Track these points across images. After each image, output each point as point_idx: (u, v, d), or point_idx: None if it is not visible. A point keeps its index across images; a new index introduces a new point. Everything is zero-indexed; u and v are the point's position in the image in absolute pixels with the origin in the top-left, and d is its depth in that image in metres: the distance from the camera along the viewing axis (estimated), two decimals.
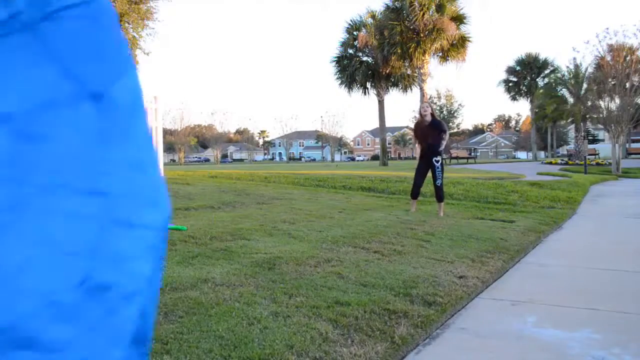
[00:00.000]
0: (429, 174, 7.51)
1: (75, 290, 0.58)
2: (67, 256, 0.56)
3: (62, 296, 0.57)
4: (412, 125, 8.01)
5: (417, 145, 7.81)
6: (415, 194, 7.65)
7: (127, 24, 16.72)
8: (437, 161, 7.35)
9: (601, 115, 24.41)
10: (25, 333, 0.57)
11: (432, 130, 7.35)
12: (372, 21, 29.21)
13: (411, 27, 25.17)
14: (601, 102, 24.73)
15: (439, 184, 7.34)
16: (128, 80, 0.63)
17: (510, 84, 53.18)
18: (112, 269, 0.56)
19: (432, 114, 7.45)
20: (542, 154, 64.72)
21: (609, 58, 24.12)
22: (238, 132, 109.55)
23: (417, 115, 7.63)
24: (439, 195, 7.36)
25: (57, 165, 0.53)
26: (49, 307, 0.57)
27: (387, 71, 27.90)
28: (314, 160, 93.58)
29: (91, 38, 0.58)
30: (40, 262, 0.56)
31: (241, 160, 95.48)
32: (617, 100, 23.24)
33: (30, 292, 0.56)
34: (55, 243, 0.56)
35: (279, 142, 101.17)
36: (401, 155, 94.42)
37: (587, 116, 31.29)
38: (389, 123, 36.87)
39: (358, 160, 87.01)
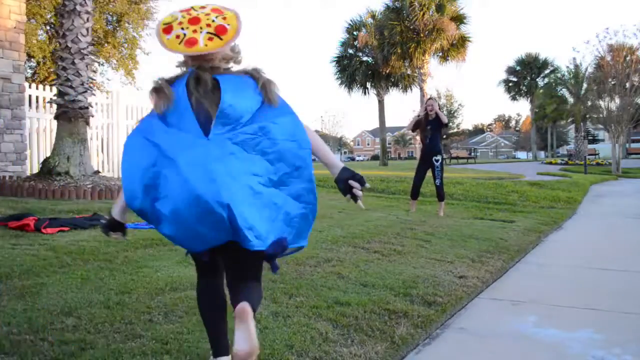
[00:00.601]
0: (429, 174, 7.46)
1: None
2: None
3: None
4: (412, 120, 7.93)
5: (418, 144, 7.77)
6: (414, 194, 7.61)
7: (127, 24, 16.73)
8: (437, 160, 7.29)
9: (601, 115, 24.42)
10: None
11: (434, 129, 7.25)
12: (372, 21, 29.19)
13: (411, 27, 25.15)
14: (601, 102, 24.73)
15: (438, 184, 7.29)
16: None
17: (510, 84, 53.13)
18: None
19: (438, 112, 7.29)
20: (542, 154, 64.68)
21: (609, 58, 24.12)
22: None
23: (418, 112, 7.48)
24: (440, 195, 7.34)
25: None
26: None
27: (387, 71, 27.86)
28: (314, 160, 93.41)
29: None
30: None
31: None
32: (617, 100, 23.24)
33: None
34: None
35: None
36: (401, 155, 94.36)
37: (587, 116, 31.29)
38: (389, 123, 36.84)
39: (358, 160, 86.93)
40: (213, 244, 1.81)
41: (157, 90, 1.88)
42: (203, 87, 1.87)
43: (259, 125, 1.86)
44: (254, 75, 1.95)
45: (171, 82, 1.91)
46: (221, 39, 1.91)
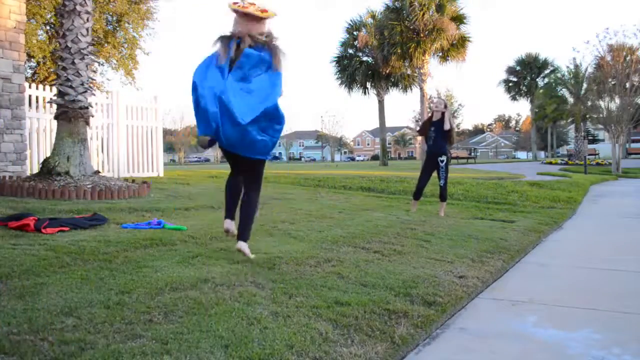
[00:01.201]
0: (434, 174, 7.43)
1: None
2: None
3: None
4: (413, 124, 7.77)
5: (418, 144, 7.72)
6: (417, 194, 7.57)
7: (127, 24, 16.71)
8: (442, 161, 7.22)
9: (601, 115, 24.42)
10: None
11: (437, 130, 7.18)
12: (372, 21, 29.21)
13: (411, 27, 25.15)
14: (601, 102, 24.73)
15: (442, 184, 7.26)
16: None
17: (510, 84, 53.16)
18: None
19: (444, 112, 7.17)
20: (542, 154, 64.71)
21: (609, 58, 24.12)
22: None
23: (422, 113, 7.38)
24: (442, 195, 7.30)
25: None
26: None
27: (387, 71, 27.87)
28: (314, 160, 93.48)
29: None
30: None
31: None
32: (617, 100, 23.24)
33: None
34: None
35: (279, 142, 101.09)
36: (401, 155, 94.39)
37: (587, 116, 31.30)
38: (389, 123, 36.88)
39: (358, 160, 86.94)
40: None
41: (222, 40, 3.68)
42: (238, 52, 3.62)
43: (255, 86, 3.58)
44: (272, 50, 3.63)
45: (229, 38, 3.67)
46: (261, 14, 3.64)
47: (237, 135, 3.52)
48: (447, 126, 7.12)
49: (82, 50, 7.31)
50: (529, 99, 52.05)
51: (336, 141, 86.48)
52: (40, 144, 9.20)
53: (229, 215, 4.04)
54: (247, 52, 3.57)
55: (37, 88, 9.18)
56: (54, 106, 7.63)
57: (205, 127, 3.55)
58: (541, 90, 44.16)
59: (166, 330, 2.43)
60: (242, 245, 3.78)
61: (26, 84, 8.53)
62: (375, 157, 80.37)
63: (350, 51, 31.82)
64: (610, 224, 7.50)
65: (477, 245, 5.02)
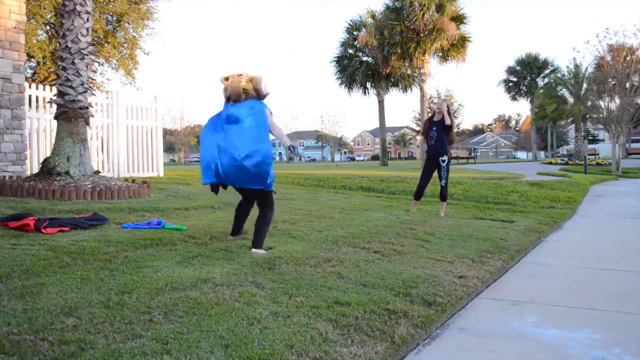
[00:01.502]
0: (434, 174, 7.42)
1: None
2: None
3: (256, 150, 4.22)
4: (414, 124, 7.81)
5: (419, 145, 7.72)
6: (418, 195, 7.57)
7: (127, 24, 16.71)
8: (444, 161, 7.23)
9: (601, 115, 24.42)
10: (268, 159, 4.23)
11: (438, 130, 7.20)
12: (372, 21, 29.19)
13: (411, 27, 25.13)
14: (601, 102, 24.74)
15: (443, 184, 7.26)
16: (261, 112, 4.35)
17: (510, 84, 53.14)
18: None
19: (448, 114, 7.20)
20: (542, 154, 64.73)
21: (609, 58, 24.11)
22: None
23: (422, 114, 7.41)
24: (443, 195, 7.30)
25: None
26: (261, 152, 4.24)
27: (387, 71, 27.85)
28: (314, 160, 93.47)
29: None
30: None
31: None
32: (617, 100, 23.24)
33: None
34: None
35: (279, 142, 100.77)
36: (401, 155, 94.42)
37: (587, 116, 31.32)
38: (389, 123, 36.86)
39: (358, 160, 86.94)
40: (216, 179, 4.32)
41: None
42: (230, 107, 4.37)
43: (245, 125, 4.23)
44: (261, 100, 4.40)
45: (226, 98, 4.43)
46: (250, 84, 4.34)
47: (234, 171, 4.19)
48: (447, 121, 7.15)
49: (82, 50, 7.31)
50: (529, 99, 52.04)
51: (336, 141, 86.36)
52: (40, 144, 9.20)
53: (233, 232, 4.71)
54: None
55: (37, 88, 9.18)
56: (54, 106, 7.63)
57: (207, 174, 4.30)
58: (541, 90, 44.20)
59: (166, 330, 2.43)
60: (253, 251, 4.19)
61: (26, 84, 8.53)
62: (375, 157, 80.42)
63: (350, 51, 31.83)
64: (610, 224, 7.50)
65: (477, 245, 5.02)
